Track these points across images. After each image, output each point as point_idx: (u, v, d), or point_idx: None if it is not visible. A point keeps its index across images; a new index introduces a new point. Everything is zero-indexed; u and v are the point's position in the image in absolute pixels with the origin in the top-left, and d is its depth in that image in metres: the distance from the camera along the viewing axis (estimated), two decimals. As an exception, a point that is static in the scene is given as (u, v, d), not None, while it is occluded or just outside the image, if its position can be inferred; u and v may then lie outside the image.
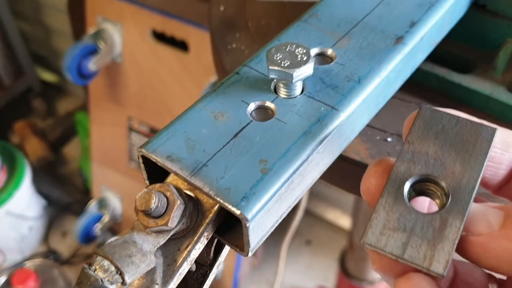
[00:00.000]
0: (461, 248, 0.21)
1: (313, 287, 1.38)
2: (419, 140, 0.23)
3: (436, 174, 0.22)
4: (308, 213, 1.47)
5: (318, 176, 0.26)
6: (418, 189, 0.23)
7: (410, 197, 0.22)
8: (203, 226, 0.23)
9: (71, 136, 1.75)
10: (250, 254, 0.23)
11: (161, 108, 1.21)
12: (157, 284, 0.22)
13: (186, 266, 0.23)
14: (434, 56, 0.36)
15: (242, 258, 1.30)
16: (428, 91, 0.40)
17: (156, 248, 0.22)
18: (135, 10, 1.13)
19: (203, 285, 0.25)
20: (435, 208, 0.22)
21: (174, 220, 0.22)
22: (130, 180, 1.37)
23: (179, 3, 1.07)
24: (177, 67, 1.13)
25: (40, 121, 1.81)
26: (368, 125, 0.33)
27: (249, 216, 0.22)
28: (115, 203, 1.43)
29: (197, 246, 0.23)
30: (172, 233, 0.22)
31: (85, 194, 1.60)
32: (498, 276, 0.23)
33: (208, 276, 0.25)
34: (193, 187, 0.23)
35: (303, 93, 0.27)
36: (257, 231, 0.23)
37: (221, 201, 0.22)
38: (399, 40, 0.30)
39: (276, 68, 0.25)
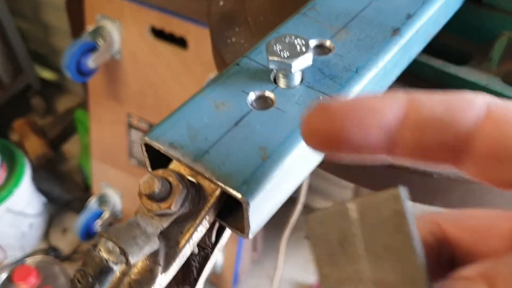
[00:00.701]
0: None
1: (313, 282, 1.39)
2: (329, 263, 0.18)
3: None
4: (307, 207, 1.48)
5: (316, 164, 0.27)
6: None
7: None
8: (204, 210, 0.24)
9: (70, 133, 1.76)
10: (250, 236, 0.24)
11: (161, 104, 1.22)
12: (160, 265, 0.23)
13: (188, 248, 0.24)
14: (431, 48, 0.37)
15: (242, 252, 1.31)
16: (425, 82, 0.40)
17: (159, 231, 0.23)
18: (133, 7, 1.13)
19: (205, 266, 0.26)
20: None
21: (176, 204, 0.23)
22: (130, 177, 1.37)
23: (178, 0, 1.08)
24: (176, 64, 1.14)
25: (39, 119, 1.81)
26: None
27: (249, 200, 0.23)
28: (115, 200, 1.44)
29: (199, 229, 0.24)
30: (175, 217, 0.23)
31: (85, 191, 1.60)
32: None
33: (209, 258, 0.26)
34: (195, 173, 0.24)
35: (302, 83, 0.28)
36: (257, 214, 0.24)
37: (222, 185, 0.23)
38: (396, 32, 0.31)
39: (275, 58, 0.26)
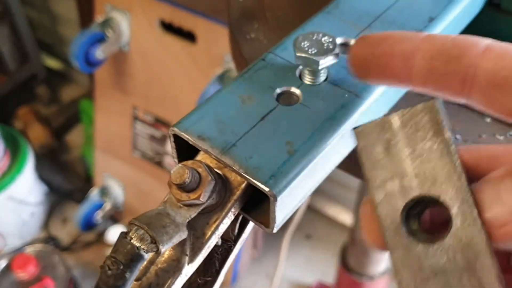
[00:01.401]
0: (494, 247, 0.18)
1: (312, 282, 1.39)
2: (376, 168, 0.20)
3: (417, 192, 0.19)
4: (309, 208, 1.49)
5: (340, 161, 0.28)
6: (414, 215, 0.20)
7: (416, 232, 0.20)
8: (231, 202, 0.24)
9: (74, 123, 1.76)
10: (275, 230, 0.25)
11: (167, 98, 1.22)
12: (186, 255, 0.23)
13: (214, 239, 0.24)
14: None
15: (242, 250, 1.31)
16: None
17: (187, 220, 0.23)
18: (144, -1, 1.13)
19: (227, 259, 0.26)
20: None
21: (205, 194, 0.23)
22: (133, 169, 1.38)
23: (188, -6, 1.08)
24: (184, 57, 1.14)
25: (43, 107, 1.81)
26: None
27: (277, 193, 0.23)
28: (117, 192, 1.44)
29: (224, 221, 0.24)
30: (202, 207, 0.23)
31: (87, 181, 1.61)
32: None
33: (232, 251, 0.26)
34: (223, 165, 0.24)
35: (327, 80, 0.28)
36: (283, 208, 0.24)
37: (250, 178, 0.23)
38: (419, 33, 0.31)
39: (303, 55, 0.26)
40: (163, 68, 1.19)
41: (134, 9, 1.16)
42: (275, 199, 0.23)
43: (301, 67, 0.28)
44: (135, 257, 0.21)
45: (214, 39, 1.07)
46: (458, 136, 0.36)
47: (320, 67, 0.27)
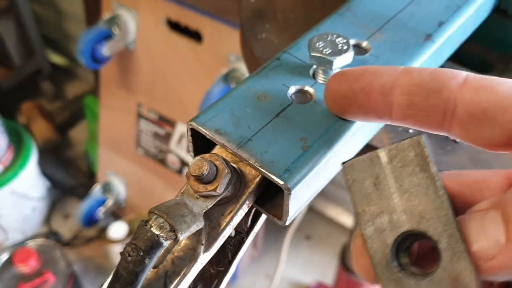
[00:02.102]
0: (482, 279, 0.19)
1: (311, 283, 1.40)
2: (365, 202, 0.21)
3: (405, 228, 0.20)
4: (309, 209, 1.50)
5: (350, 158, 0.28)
6: (404, 249, 0.21)
7: (406, 265, 0.20)
8: (245, 195, 0.25)
9: (78, 119, 1.77)
10: (287, 222, 0.25)
11: (171, 96, 1.23)
12: (202, 244, 0.24)
13: (228, 230, 0.25)
14: (456, 56, 0.38)
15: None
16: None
17: (204, 211, 0.24)
18: (151, -2, 1.14)
19: (240, 250, 0.27)
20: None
21: (222, 186, 0.24)
22: (136, 166, 1.38)
23: (196, -6, 1.09)
24: (189, 57, 1.15)
25: (48, 103, 1.82)
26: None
27: (291, 187, 0.24)
28: (120, 188, 1.45)
29: (239, 213, 0.25)
30: (218, 198, 0.24)
31: (89, 178, 1.62)
32: None
33: (244, 243, 0.27)
34: (238, 159, 0.25)
35: (340, 80, 0.29)
36: (296, 201, 0.25)
37: (266, 172, 0.24)
38: (429, 37, 0.32)
39: (318, 55, 0.27)
40: (168, 66, 1.20)
41: (141, 7, 1.17)
42: (289, 193, 0.24)
43: (315, 66, 0.29)
44: (154, 244, 0.22)
45: (220, 39, 1.08)
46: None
47: (334, 67, 0.27)
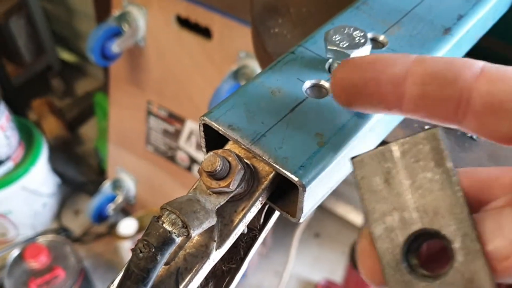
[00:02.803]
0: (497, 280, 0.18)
1: (320, 281, 1.39)
2: (375, 200, 0.20)
3: (417, 226, 0.19)
4: (318, 206, 1.49)
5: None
6: (414, 250, 0.19)
7: (415, 267, 0.19)
8: (258, 192, 0.25)
9: (88, 116, 1.77)
10: (301, 220, 0.25)
11: (181, 93, 1.23)
12: (214, 241, 0.24)
13: (241, 227, 0.24)
14: (473, 51, 0.38)
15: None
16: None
17: (216, 207, 0.23)
18: (161, -6, 1.14)
19: (252, 247, 0.26)
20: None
21: (235, 182, 0.23)
22: (145, 163, 1.39)
23: (205, -10, 1.08)
24: (199, 54, 1.14)
25: (58, 100, 1.83)
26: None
27: (306, 184, 0.23)
28: (130, 185, 1.45)
29: (252, 210, 0.25)
30: (231, 195, 0.24)
31: (100, 174, 1.62)
32: None
33: (257, 240, 0.27)
34: (252, 155, 0.25)
35: (356, 74, 0.28)
36: (310, 199, 0.24)
37: (280, 168, 0.24)
38: (447, 31, 0.31)
39: (334, 48, 0.27)
40: (178, 63, 1.19)
41: (150, 4, 1.17)
42: (304, 189, 0.23)
43: (330, 60, 0.28)
44: (166, 240, 0.21)
45: (230, 35, 1.07)
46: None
47: (350, 61, 0.27)
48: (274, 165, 0.24)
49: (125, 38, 1.20)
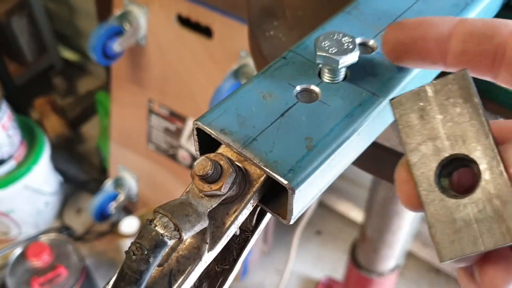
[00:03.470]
0: None
1: (321, 278, 1.40)
2: (411, 133, 0.23)
3: (448, 152, 0.21)
4: (320, 204, 1.50)
5: (355, 157, 0.28)
6: (445, 175, 0.22)
7: (447, 189, 0.22)
8: (250, 194, 0.25)
9: (90, 115, 1.78)
10: (291, 222, 0.26)
11: (182, 92, 1.24)
12: (207, 243, 0.24)
13: (233, 229, 0.25)
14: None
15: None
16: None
17: (208, 210, 0.24)
18: (162, -6, 1.15)
19: (244, 248, 0.27)
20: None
21: (226, 186, 0.24)
22: (147, 161, 1.39)
23: (206, -10, 1.09)
24: (200, 52, 1.15)
25: (60, 98, 1.84)
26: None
27: (295, 187, 0.24)
28: (131, 183, 1.46)
29: (243, 212, 0.25)
30: (223, 198, 0.24)
31: (102, 172, 1.63)
32: None
33: (249, 241, 0.27)
34: (243, 159, 0.25)
35: (346, 79, 0.29)
36: (300, 201, 0.25)
37: (270, 172, 0.24)
38: (437, 35, 0.32)
39: (323, 54, 0.27)
40: (179, 62, 1.20)
41: (152, 3, 1.18)
42: (293, 192, 0.24)
43: (321, 65, 0.29)
44: (159, 243, 0.22)
45: (231, 34, 1.08)
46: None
47: (339, 66, 0.27)
48: (265, 168, 0.25)
49: (126, 37, 1.21)
